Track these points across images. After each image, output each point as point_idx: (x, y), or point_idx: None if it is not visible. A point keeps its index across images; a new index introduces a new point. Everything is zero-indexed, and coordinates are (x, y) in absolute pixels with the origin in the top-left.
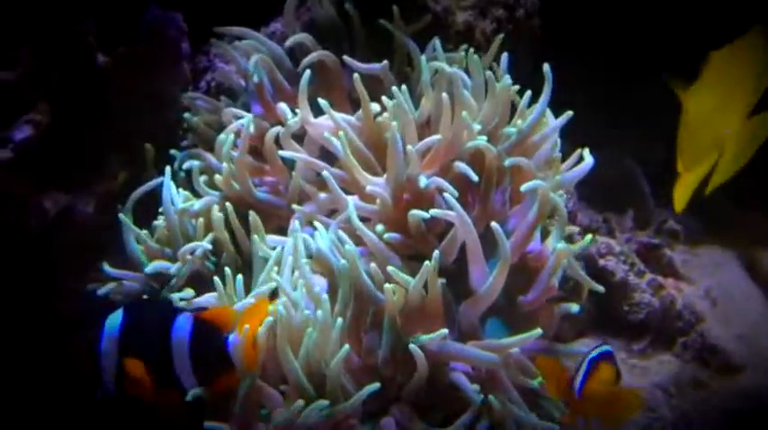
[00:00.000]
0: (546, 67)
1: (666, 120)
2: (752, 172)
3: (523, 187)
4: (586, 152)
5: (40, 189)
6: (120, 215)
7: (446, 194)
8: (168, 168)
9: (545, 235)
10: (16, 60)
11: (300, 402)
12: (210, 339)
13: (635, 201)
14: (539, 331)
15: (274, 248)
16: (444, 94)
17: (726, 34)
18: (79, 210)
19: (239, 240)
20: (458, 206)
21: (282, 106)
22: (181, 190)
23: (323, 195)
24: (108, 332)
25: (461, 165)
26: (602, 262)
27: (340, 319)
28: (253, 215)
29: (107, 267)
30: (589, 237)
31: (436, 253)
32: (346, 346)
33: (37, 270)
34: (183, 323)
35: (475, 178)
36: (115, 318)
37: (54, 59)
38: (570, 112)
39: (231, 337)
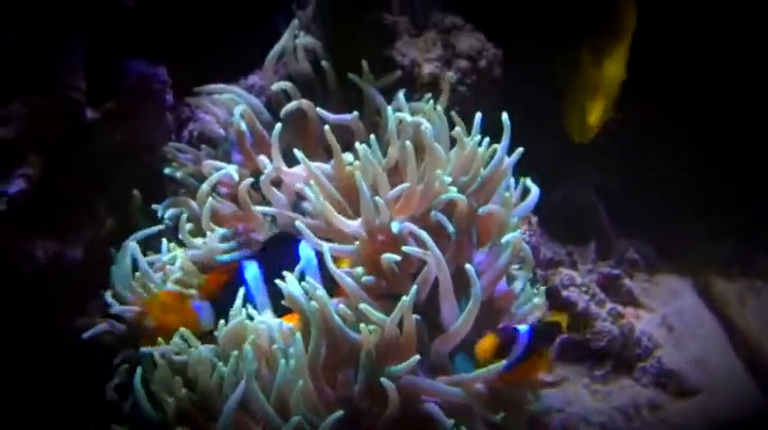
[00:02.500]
0: (504, 116)
1: (623, 153)
2: (707, 200)
3: (504, 239)
4: (529, 182)
5: (30, 238)
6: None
7: (422, 234)
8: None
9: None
10: (9, 117)
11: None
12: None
13: (596, 233)
14: (502, 363)
15: None
16: (408, 142)
17: None
18: (69, 257)
19: None
20: (434, 246)
21: (262, 158)
22: (168, 242)
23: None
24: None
25: (439, 215)
26: (565, 292)
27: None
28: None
29: (109, 297)
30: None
31: (414, 288)
32: (300, 382)
33: (30, 314)
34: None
35: (451, 229)
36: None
37: (46, 115)
38: (521, 149)
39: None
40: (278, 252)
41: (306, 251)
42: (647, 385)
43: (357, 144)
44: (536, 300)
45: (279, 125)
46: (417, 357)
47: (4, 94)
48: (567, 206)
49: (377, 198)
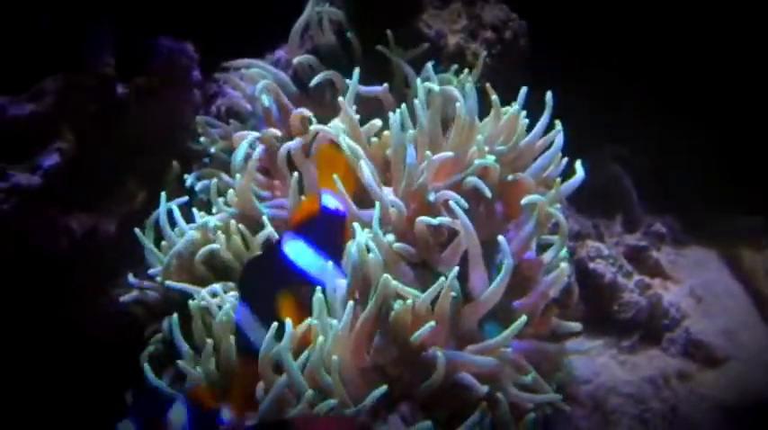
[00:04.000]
0: (548, 94)
1: (649, 131)
2: (733, 175)
3: (523, 201)
4: (578, 165)
5: (66, 211)
6: (137, 231)
7: (453, 204)
8: (163, 194)
9: (543, 248)
10: (43, 92)
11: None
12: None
13: (623, 207)
14: (523, 319)
15: None
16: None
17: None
18: (103, 230)
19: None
20: (464, 216)
21: (297, 111)
22: (203, 213)
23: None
24: (246, 326)
25: (475, 180)
26: (591, 265)
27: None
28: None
29: (131, 278)
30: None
31: (454, 270)
32: (335, 358)
33: (63, 287)
34: (295, 247)
35: (488, 194)
36: (242, 314)
37: (77, 90)
38: (560, 128)
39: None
40: (261, 276)
41: (294, 247)
42: (675, 355)
43: (391, 113)
44: (562, 264)
45: (357, 70)
46: (432, 323)
47: (37, 71)
48: (593, 179)
49: (426, 159)
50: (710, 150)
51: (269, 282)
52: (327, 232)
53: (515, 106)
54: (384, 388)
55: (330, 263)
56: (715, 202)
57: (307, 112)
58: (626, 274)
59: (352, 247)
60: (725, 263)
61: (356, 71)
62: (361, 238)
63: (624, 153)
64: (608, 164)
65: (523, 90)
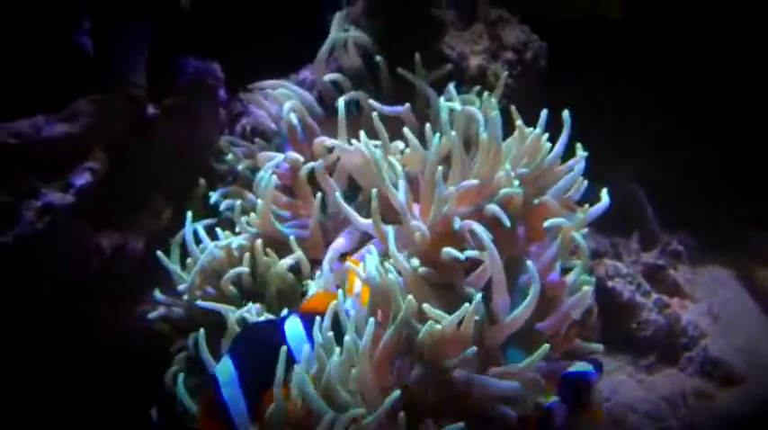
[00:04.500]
0: (565, 113)
1: (668, 149)
2: (753, 192)
3: (547, 223)
4: (604, 192)
5: (96, 229)
6: (159, 254)
7: (480, 232)
8: (189, 213)
9: (565, 271)
10: (76, 113)
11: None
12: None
13: (639, 225)
14: (546, 347)
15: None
16: (453, 133)
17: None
18: (131, 248)
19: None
20: (491, 245)
21: (321, 138)
22: (227, 232)
23: (359, 218)
24: (224, 380)
25: (495, 209)
26: (610, 283)
27: (362, 344)
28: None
29: (158, 294)
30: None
31: (478, 296)
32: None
33: (91, 303)
34: (294, 329)
35: (507, 223)
36: (225, 366)
37: (110, 111)
38: (583, 154)
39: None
40: (256, 343)
41: (293, 328)
42: (692, 374)
43: (405, 129)
44: (585, 288)
45: (341, 102)
46: (474, 348)
47: (71, 91)
48: (611, 197)
49: (450, 188)
50: (725, 165)
51: (259, 351)
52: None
53: (537, 129)
54: (398, 392)
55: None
56: (730, 218)
57: (330, 142)
58: (644, 293)
59: (371, 268)
60: (742, 281)
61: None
62: (376, 261)
63: (639, 169)
64: (624, 181)
65: (544, 113)
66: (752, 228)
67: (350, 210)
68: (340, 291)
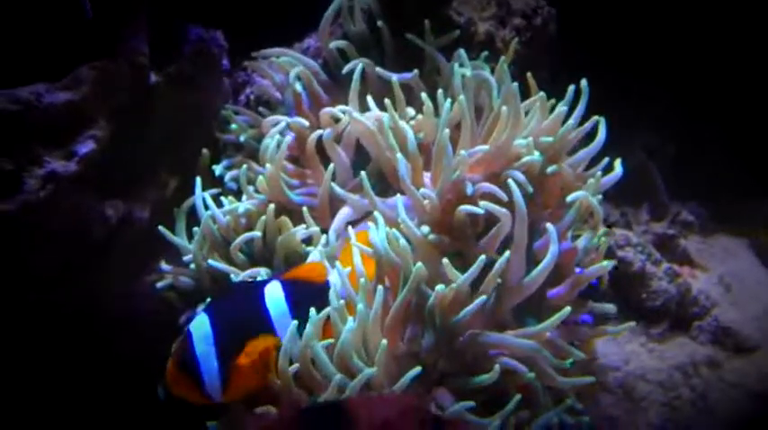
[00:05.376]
0: (583, 82)
1: (676, 120)
2: (760, 161)
3: (569, 197)
4: (617, 163)
5: (102, 198)
6: (161, 228)
7: (511, 182)
8: (198, 179)
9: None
10: (78, 80)
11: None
12: (310, 294)
13: (649, 195)
14: (568, 310)
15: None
16: (463, 102)
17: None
18: (137, 216)
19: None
20: (519, 195)
21: (328, 109)
22: (231, 197)
23: (357, 197)
24: (197, 336)
25: (517, 175)
26: (620, 253)
27: (372, 312)
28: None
29: (164, 265)
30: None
31: (506, 255)
32: (384, 341)
33: (98, 272)
34: (274, 293)
35: (530, 189)
36: (200, 322)
37: (112, 79)
38: (603, 130)
39: (331, 278)
40: (234, 304)
41: (273, 293)
42: (704, 343)
43: (423, 95)
44: (594, 255)
45: (357, 70)
46: (484, 297)
47: (73, 59)
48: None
49: (462, 152)
50: (737, 136)
51: (236, 312)
52: (312, 303)
53: (562, 106)
54: (418, 369)
55: (295, 323)
56: (741, 189)
57: (339, 108)
58: (655, 262)
59: (377, 236)
60: (753, 251)
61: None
62: (383, 228)
63: (651, 141)
64: (634, 152)
65: (571, 89)
66: (764, 199)
67: (348, 195)
68: (326, 261)
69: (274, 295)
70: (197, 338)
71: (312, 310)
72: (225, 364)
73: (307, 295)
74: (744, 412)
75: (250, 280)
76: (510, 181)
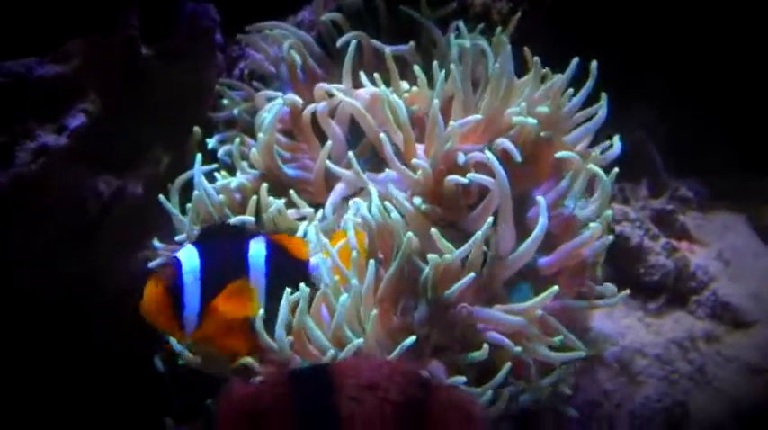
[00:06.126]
0: (593, 64)
1: (672, 101)
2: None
3: (557, 154)
4: (616, 139)
5: (94, 172)
6: (161, 197)
7: (490, 157)
8: (199, 155)
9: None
10: (68, 54)
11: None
12: (288, 265)
13: (647, 172)
14: (555, 289)
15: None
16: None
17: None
18: (130, 192)
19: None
20: (499, 167)
21: (322, 85)
22: (224, 172)
23: (350, 173)
24: (187, 268)
25: (506, 143)
26: (618, 227)
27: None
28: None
29: (157, 242)
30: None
31: (489, 220)
32: (374, 311)
33: (89, 247)
34: (257, 247)
35: (518, 158)
36: (190, 254)
37: (103, 52)
38: (604, 107)
39: (313, 262)
40: (221, 248)
41: (257, 249)
42: (702, 318)
43: (416, 67)
44: (593, 224)
45: (353, 44)
46: (473, 275)
47: (63, 32)
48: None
49: (451, 122)
50: (736, 113)
51: (222, 254)
52: (287, 275)
53: (561, 76)
54: (413, 338)
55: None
56: (741, 166)
57: (332, 90)
58: (653, 237)
59: (370, 208)
60: (752, 226)
61: None
62: (376, 201)
63: (649, 117)
64: (632, 128)
65: (574, 61)
66: (764, 176)
67: (342, 171)
68: (322, 236)
69: (257, 251)
70: (186, 269)
71: (302, 285)
72: (204, 302)
73: (284, 264)
74: (742, 386)
75: (240, 225)
76: (487, 152)
